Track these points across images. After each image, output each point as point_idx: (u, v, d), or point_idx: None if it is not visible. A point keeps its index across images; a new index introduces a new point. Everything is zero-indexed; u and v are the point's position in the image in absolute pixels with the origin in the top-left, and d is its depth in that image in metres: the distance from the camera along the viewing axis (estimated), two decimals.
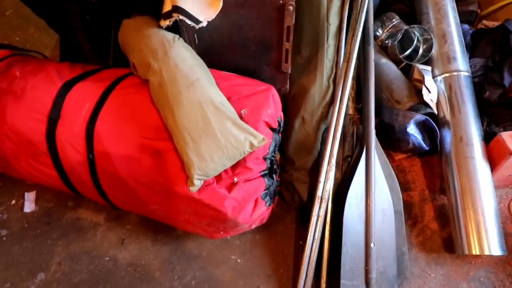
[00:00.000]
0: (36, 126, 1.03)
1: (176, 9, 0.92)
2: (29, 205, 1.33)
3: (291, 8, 0.96)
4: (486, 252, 1.11)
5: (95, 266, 1.21)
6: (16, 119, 1.05)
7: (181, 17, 0.91)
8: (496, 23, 1.43)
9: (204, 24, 0.94)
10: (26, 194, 1.35)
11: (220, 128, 0.91)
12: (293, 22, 1.00)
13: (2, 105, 1.07)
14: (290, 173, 1.25)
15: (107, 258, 1.23)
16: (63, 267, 1.21)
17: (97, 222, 1.30)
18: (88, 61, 1.34)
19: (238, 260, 1.23)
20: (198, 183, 0.91)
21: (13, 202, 1.35)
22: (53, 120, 1.03)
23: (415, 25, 1.40)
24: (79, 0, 1.17)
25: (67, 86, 1.07)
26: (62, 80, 1.10)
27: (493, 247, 1.11)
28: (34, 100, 1.06)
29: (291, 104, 1.27)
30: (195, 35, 1.03)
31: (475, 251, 1.12)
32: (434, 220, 1.28)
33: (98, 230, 1.28)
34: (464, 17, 1.48)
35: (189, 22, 0.92)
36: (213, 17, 0.93)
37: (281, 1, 0.95)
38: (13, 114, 1.05)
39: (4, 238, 1.27)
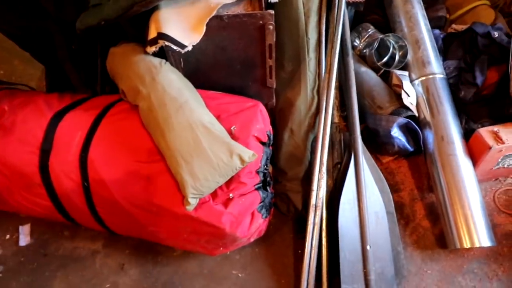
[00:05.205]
0: (29, 159, 1.04)
1: (161, 35, 0.95)
2: (24, 239, 1.32)
3: (271, 27, 1.01)
4: (476, 244, 1.15)
5: None
6: (8, 153, 1.05)
7: (166, 43, 0.94)
8: (464, 26, 1.51)
9: (190, 48, 0.97)
10: (20, 227, 1.34)
11: (211, 147, 0.93)
12: (274, 40, 1.05)
13: None
14: (284, 184, 1.28)
15: (108, 285, 1.22)
16: None
17: (95, 249, 1.29)
18: (76, 90, 1.35)
19: (240, 275, 1.23)
20: (193, 201, 0.93)
21: (8, 236, 1.33)
22: (45, 151, 1.04)
23: (390, 34, 1.47)
24: (65, 32, 1.19)
25: (58, 117, 1.09)
26: (51, 111, 1.11)
27: (483, 238, 1.15)
28: (25, 133, 1.07)
29: (279, 117, 1.31)
30: (181, 59, 1.07)
31: (466, 244, 1.16)
32: (425, 218, 1.33)
33: (97, 257, 1.28)
34: (435, 22, 1.56)
35: (174, 47, 0.95)
36: (198, 41, 0.96)
37: (261, 22, 0.99)
38: (4, 148, 1.06)
39: (1, 275, 1.25)
